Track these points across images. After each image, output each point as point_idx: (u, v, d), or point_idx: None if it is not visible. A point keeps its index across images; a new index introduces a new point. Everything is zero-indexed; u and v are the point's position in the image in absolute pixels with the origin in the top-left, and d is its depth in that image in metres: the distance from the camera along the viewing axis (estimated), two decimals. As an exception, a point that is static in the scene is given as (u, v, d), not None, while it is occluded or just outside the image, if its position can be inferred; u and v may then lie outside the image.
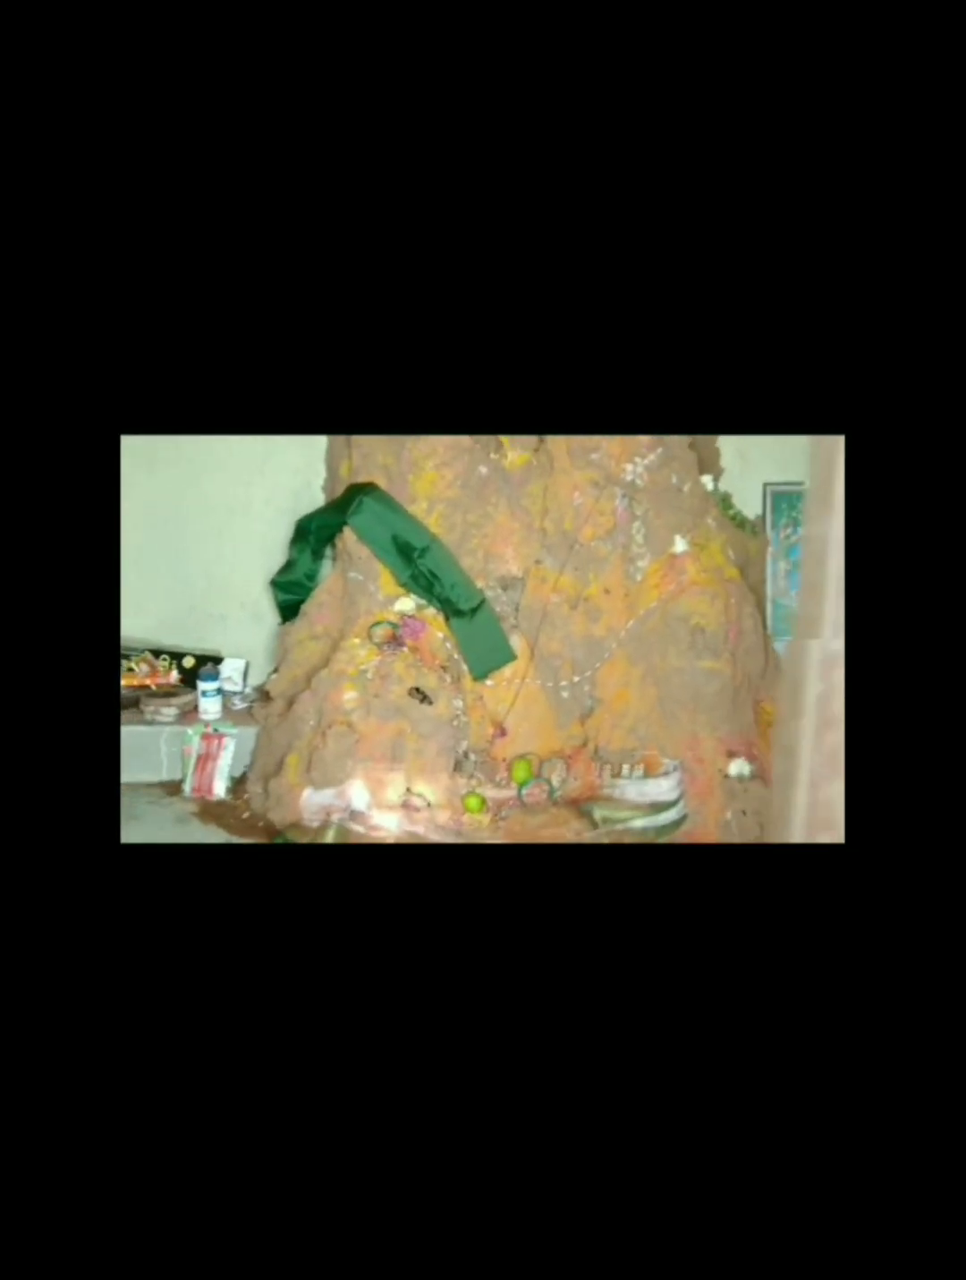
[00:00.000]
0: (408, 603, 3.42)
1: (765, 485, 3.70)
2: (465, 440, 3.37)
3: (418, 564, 3.38)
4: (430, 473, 3.40)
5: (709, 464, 3.62)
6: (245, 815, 3.27)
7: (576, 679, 3.45)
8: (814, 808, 1.05)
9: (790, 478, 3.64)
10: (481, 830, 3.12)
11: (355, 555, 3.40)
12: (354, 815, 3.08)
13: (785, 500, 3.73)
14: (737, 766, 3.26)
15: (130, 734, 3.15)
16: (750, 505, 3.71)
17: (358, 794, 3.10)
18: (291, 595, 3.54)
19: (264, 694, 3.52)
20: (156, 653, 3.57)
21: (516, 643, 3.45)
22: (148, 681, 3.53)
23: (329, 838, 3.03)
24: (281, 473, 3.49)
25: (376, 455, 3.40)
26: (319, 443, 3.46)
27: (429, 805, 3.13)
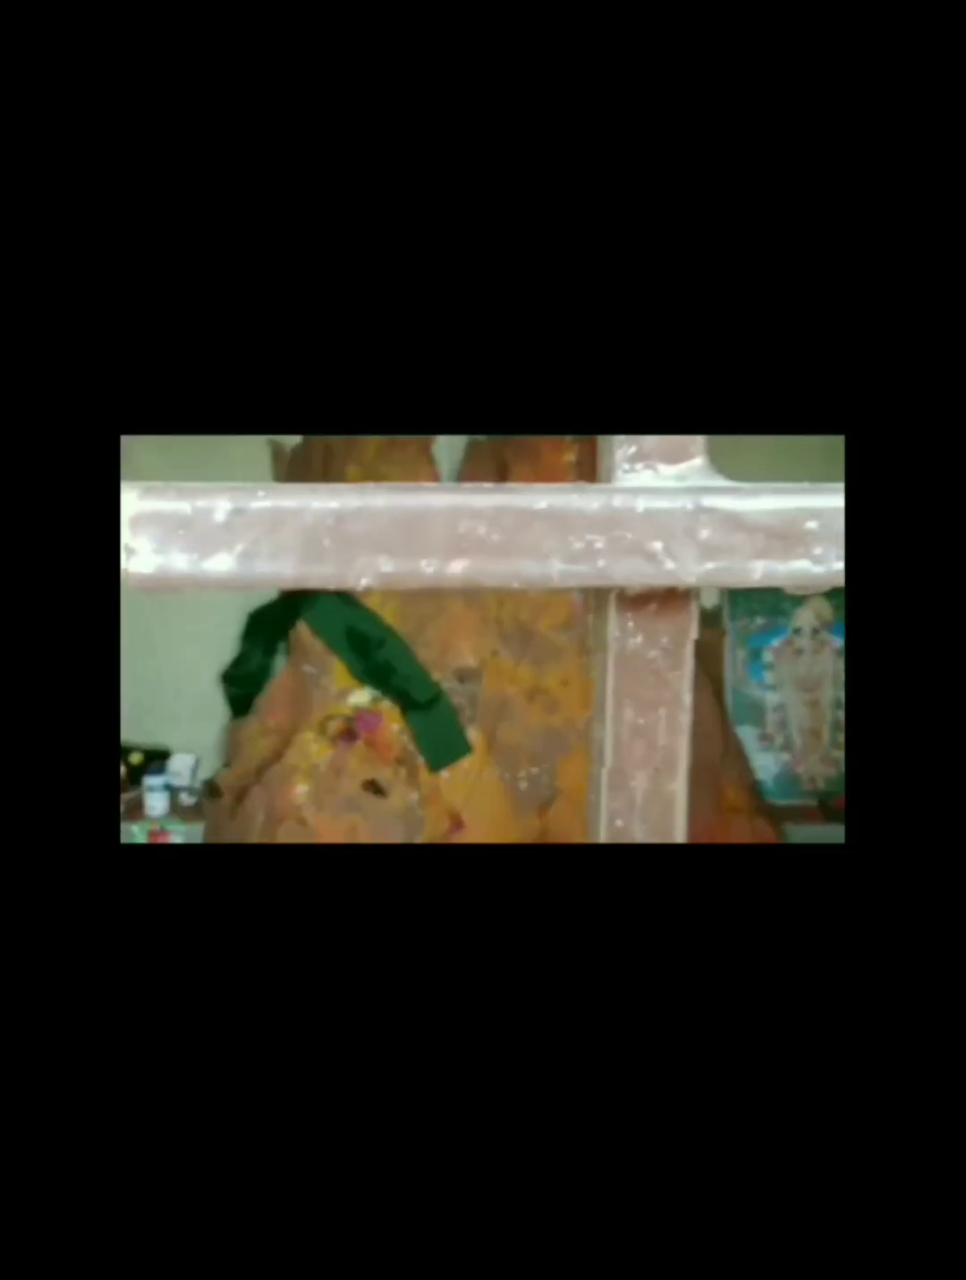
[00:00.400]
0: (362, 695, 3.38)
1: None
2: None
3: (373, 656, 3.35)
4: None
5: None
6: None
7: (535, 770, 3.40)
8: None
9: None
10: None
11: (309, 648, 3.36)
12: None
13: (741, 592, 3.73)
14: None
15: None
16: (707, 595, 3.71)
17: (310, 890, 3.02)
18: (242, 689, 3.50)
19: (213, 789, 3.44)
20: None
21: (473, 735, 3.41)
22: (96, 779, 3.45)
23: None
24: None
25: (330, 547, 3.39)
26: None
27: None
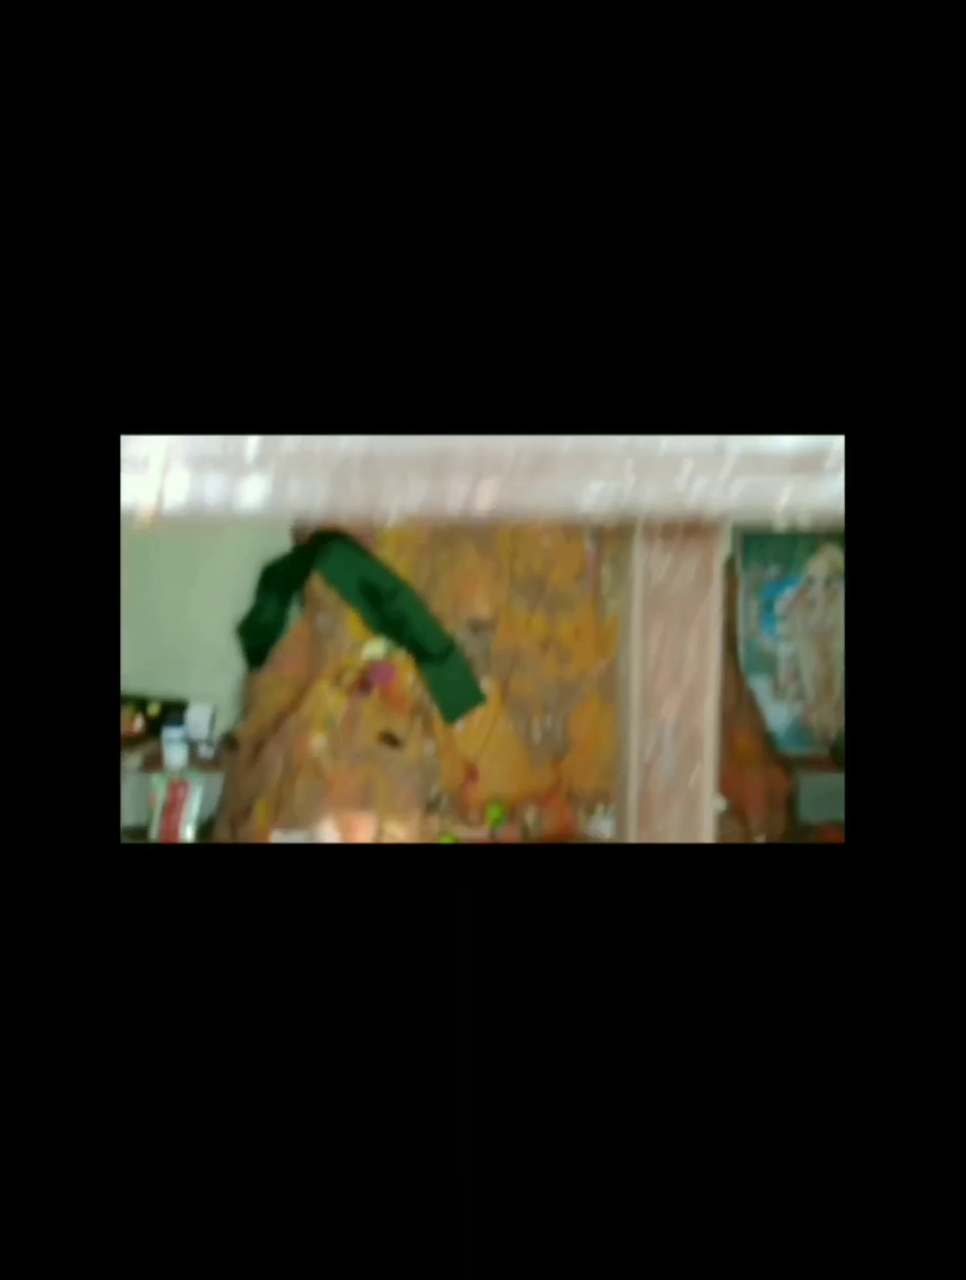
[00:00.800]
0: (377, 647, 3.40)
1: (734, 526, 3.71)
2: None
3: (386, 608, 3.37)
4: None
5: (677, 505, 3.63)
6: (213, 862, 3.22)
7: (549, 721, 3.42)
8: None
9: (759, 520, 3.65)
10: (454, 872, 3.08)
11: (323, 600, 3.38)
12: (324, 859, 3.03)
13: (755, 541, 3.73)
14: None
15: (95, 783, 3.11)
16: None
17: (328, 836, 3.05)
18: (258, 641, 3.52)
19: (231, 740, 3.47)
20: (121, 701, 3.52)
21: (487, 686, 3.43)
22: (114, 731, 3.48)
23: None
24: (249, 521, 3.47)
25: (344, 499, 3.39)
26: (286, 488, 3.45)
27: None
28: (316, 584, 3.36)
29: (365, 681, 3.39)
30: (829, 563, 3.83)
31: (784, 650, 3.84)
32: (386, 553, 3.37)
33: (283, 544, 3.48)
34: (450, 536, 3.39)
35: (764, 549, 3.81)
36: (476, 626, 3.44)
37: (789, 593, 3.83)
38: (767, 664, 3.83)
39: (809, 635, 3.85)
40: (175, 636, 3.62)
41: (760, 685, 3.79)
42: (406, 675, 3.41)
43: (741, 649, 3.80)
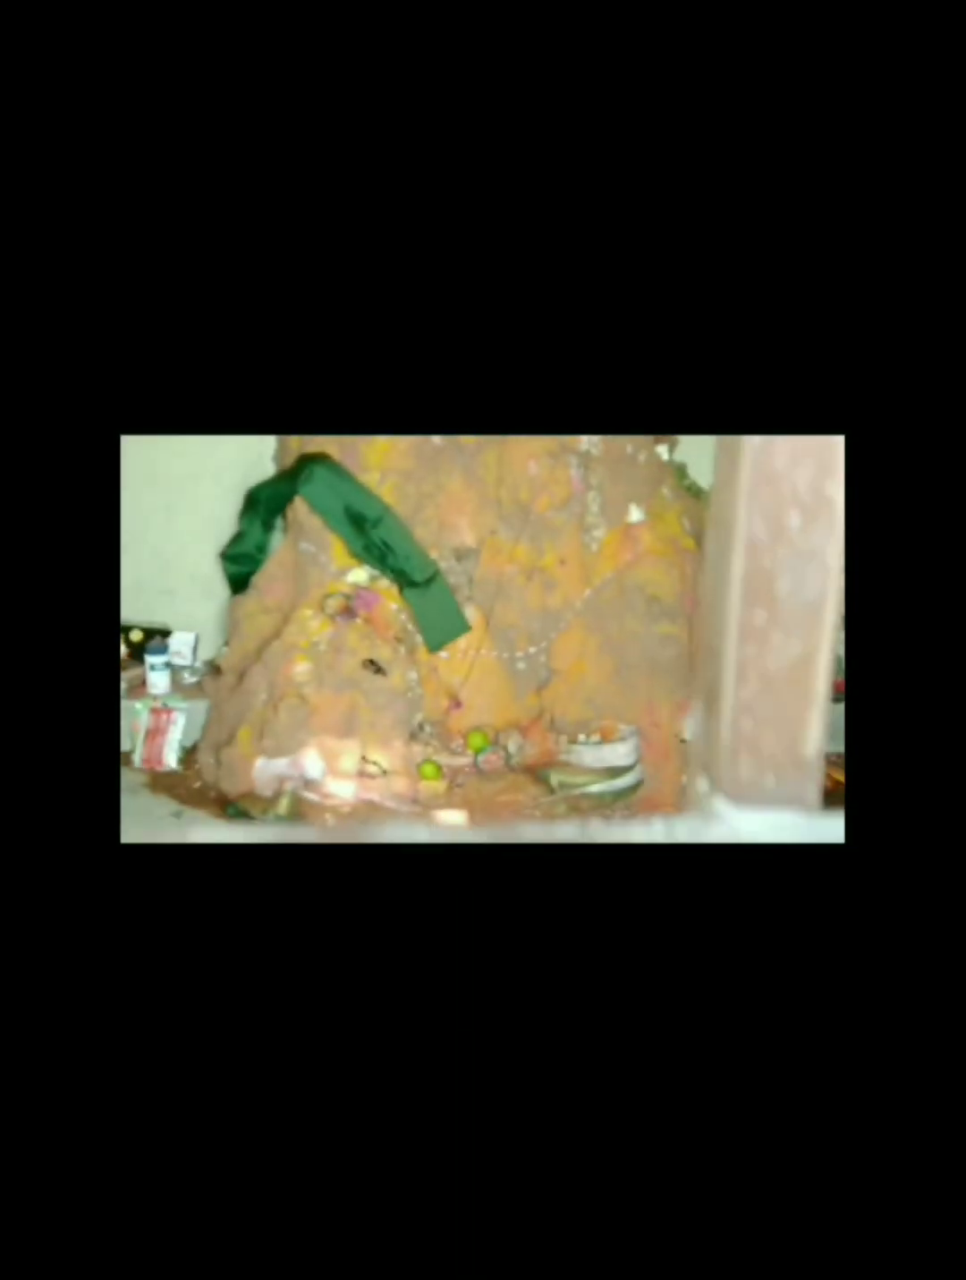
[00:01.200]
0: (360, 574, 3.39)
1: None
2: (418, 409, 3.34)
3: (370, 534, 3.35)
4: (382, 443, 3.37)
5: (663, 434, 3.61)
6: (196, 785, 3.23)
7: (532, 650, 3.43)
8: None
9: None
10: (438, 797, 3.09)
11: (306, 526, 3.36)
12: (308, 784, 3.05)
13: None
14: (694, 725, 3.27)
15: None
16: (705, 475, 3.70)
17: (311, 763, 3.06)
18: (242, 567, 3.51)
19: (214, 667, 3.47)
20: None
21: (471, 614, 3.43)
22: (96, 657, 3.48)
23: (282, 807, 3.00)
24: (232, 445, 3.45)
25: (328, 424, 3.37)
26: (269, 412, 3.42)
27: (384, 773, 3.10)
28: (300, 509, 3.34)
29: (349, 608, 3.39)
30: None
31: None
32: (371, 478, 3.35)
33: (267, 469, 3.45)
34: (435, 462, 3.37)
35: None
36: (460, 554, 3.43)
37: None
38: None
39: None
40: (159, 563, 3.61)
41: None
42: (390, 602, 3.41)
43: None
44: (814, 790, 0.92)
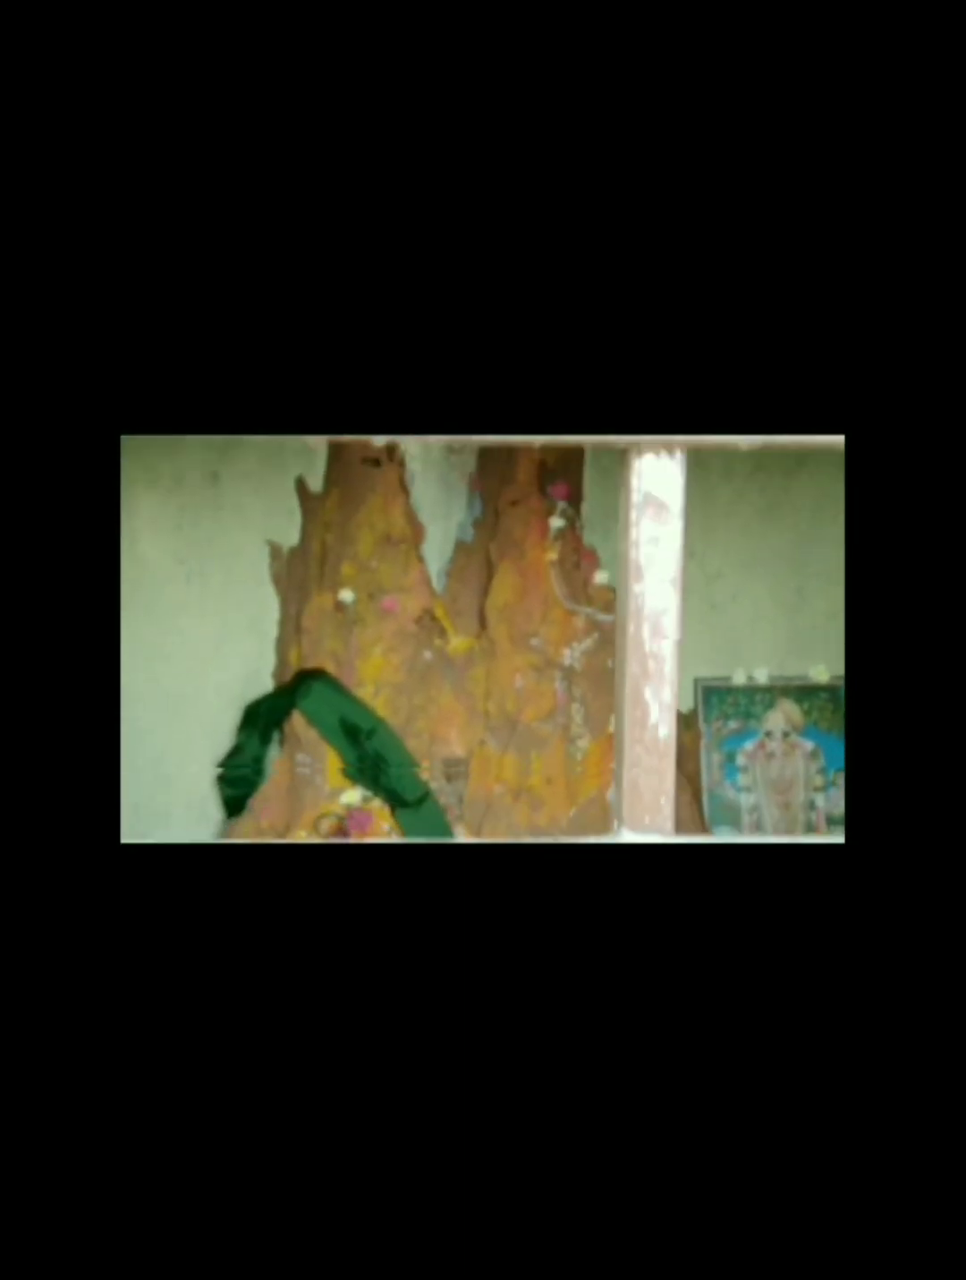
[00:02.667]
0: (354, 794, 3.49)
1: (696, 680, 3.87)
2: (410, 626, 3.53)
3: (365, 746, 3.47)
4: (377, 657, 3.54)
5: (641, 654, 3.79)
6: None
7: (522, 855, 3.48)
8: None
9: (719, 673, 3.82)
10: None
11: (303, 739, 3.48)
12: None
13: (715, 694, 3.89)
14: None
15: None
16: (683, 699, 3.86)
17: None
18: (237, 790, 3.58)
19: (209, 877, 3.49)
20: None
21: (460, 833, 3.51)
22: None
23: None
24: (232, 661, 3.60)
25: (324, 642, 3.54)
26: (270, 632, 3.59)
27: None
28: (297, 722, 3.47)
29: (342, 828, 3.46)
30: (785, 717, 3.98)
31: (746, 800, 3.95)
32: (365, 691, 3.50)
33: (265, 684, 3.59)
34: (426, 676, 3.53)
35: (724, 703, 3.96)
36: (450, 766, 3.54)
37: (749, 745, 3.97)
38: (731, 814, 3.93)
39: (769, 786, 3.97)
40: (156, 782, 3.67)
41: (724, 835, 3.88)
42: (382, 822, 3.49)
43: (706, 800, 3.90)
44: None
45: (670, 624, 1.11)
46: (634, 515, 1.30)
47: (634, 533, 1.36)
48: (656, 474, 1.26)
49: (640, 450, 1.24)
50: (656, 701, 1.11)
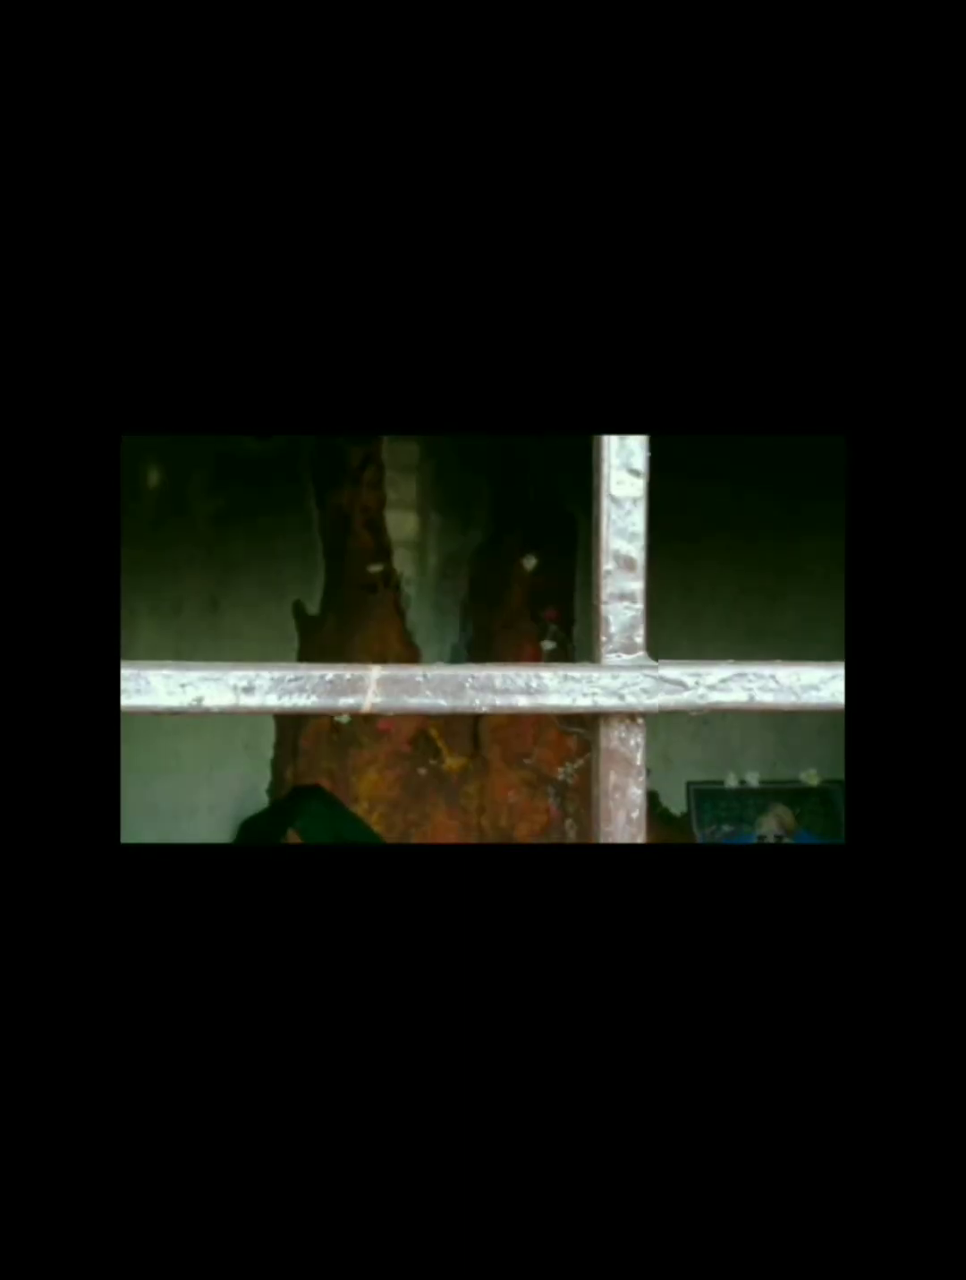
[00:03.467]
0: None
1: (688, 784, 3.92)
2: (405, 747, 3.57)
3: (360, 863, 3.51)
4: (372, 775, 3.58)
5: (634, 765, 3.82)
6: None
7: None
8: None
9: (711, 777, 3.86)
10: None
11: (299, 855, 3.52)
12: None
13: (708, 798, 3.93)
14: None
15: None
16: (675, 803, 3.91)
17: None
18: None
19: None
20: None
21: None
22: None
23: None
24: (228, 778, 3.65)
25: (321, 761, 3.58)
26: (266, 753, 3.64)
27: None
28: (293, 839, 3.51)
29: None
30: (778, 821, 4.02)
31: (739, 904, 3.99)
32: (360, 808, 3.54)
33: (261, 800, 3.64)
34: (421, 792, 3.57)
35: (717, 807, 4.00)
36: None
37: (742, 848, 4.01)
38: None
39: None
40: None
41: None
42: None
43: (699, 903, 3.94)
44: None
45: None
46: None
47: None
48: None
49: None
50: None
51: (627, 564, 1.12)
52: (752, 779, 3.95)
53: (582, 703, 1.01)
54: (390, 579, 3.50)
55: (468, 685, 1.02)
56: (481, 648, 3.61)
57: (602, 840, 1.16)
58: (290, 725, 3.60)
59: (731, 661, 1.12)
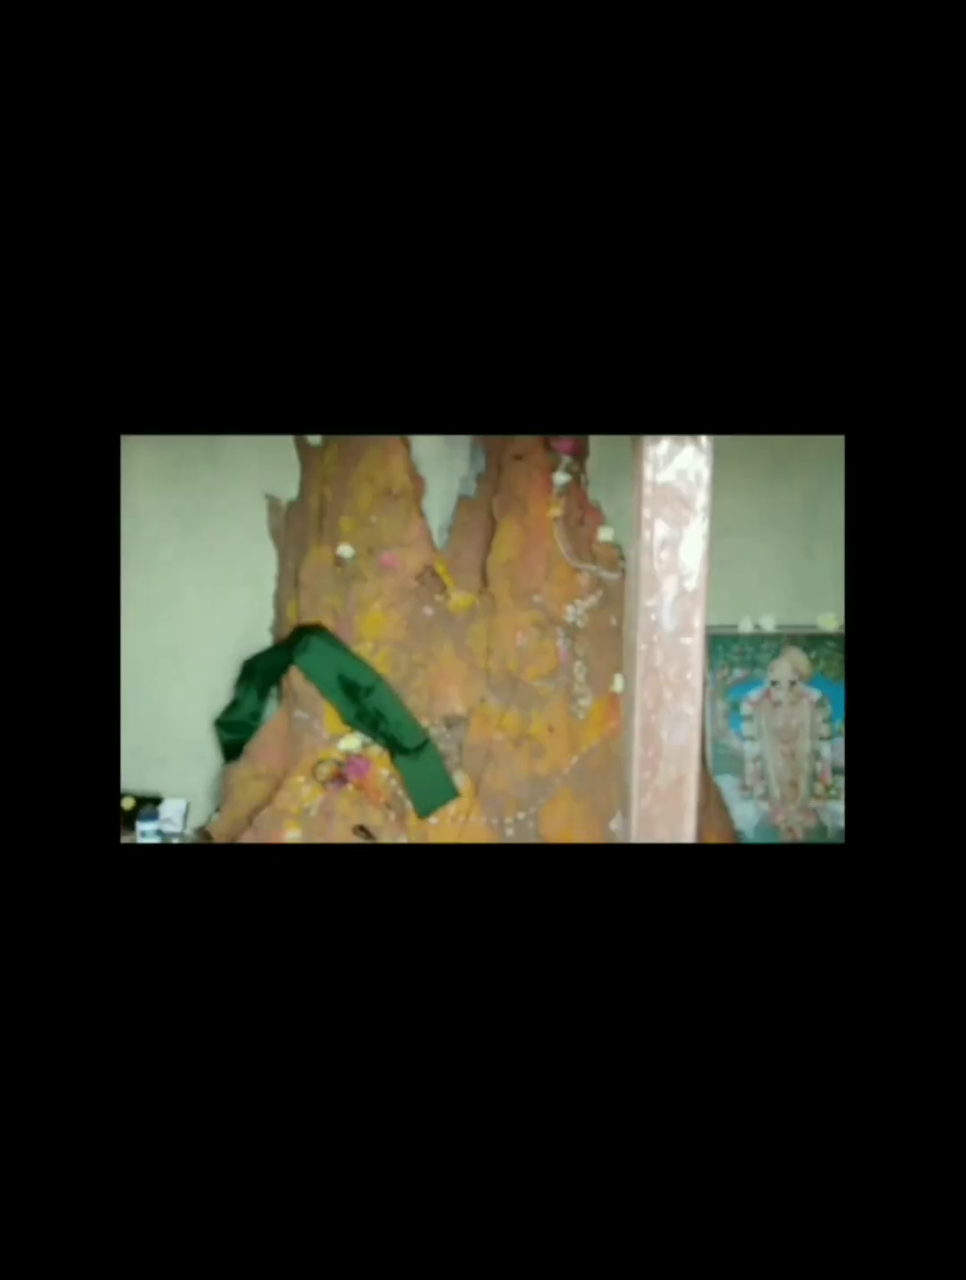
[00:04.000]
0: (353, 741, 3.46)
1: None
2: (411, 582, 3.46)
3: (363, 703, 3.43)
4: (376, 613, 3.47)
5: (646, 607, 3.72)
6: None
7: (521, 816, 3.47)
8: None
9: (725, 621, 3.75)
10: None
11: (302, 694, 3.44)
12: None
13: (721, 642, 3.83)
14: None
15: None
16: (687, 648, 3.80)
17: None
18: (235, 735, 3.56)
19: (205, 834, 3.50)
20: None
21: (460, 780, 3.48)
22: (89, 822, 3.49)
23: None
24: (229, 616, 3.54)
25: (323, 597, 3.47)
26: (268, 586, 3.52)
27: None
28: (295, 678, 3.43)
29: (341, 775, 3.44)
30: (792, 666, 3.92)
31: (750, 750, 3.92)
32: (364, 648, 3.44)
33: (264, 638, 3.54)
34: (426, 633, 3.47)
35: (729, 651, 3.90)
36: (451, 721, 3.50)
37: (754, 694, 3.92)
38: (735, 763, 3.91)
39: (774, 735, 3.93)
40: (153, 730, 3.66)
41: (727, 784, 3.86)
42: (381, 769, 3.47)
43: (709, 748, 3.87)
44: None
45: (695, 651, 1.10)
46: (648, 514, 1.24)
47: (648, 534, 1.29)
48: (675, 464, 1.20)
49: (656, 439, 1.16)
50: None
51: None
52: (767, 623, 3.84)
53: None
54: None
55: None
56: (490, 481, 3.47)
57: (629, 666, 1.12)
58: (291, 559, 3.48)
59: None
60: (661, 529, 1.27)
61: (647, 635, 1.07)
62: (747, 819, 3.85)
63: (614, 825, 3.39)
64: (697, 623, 1.08)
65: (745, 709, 3.92)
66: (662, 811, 1.07)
